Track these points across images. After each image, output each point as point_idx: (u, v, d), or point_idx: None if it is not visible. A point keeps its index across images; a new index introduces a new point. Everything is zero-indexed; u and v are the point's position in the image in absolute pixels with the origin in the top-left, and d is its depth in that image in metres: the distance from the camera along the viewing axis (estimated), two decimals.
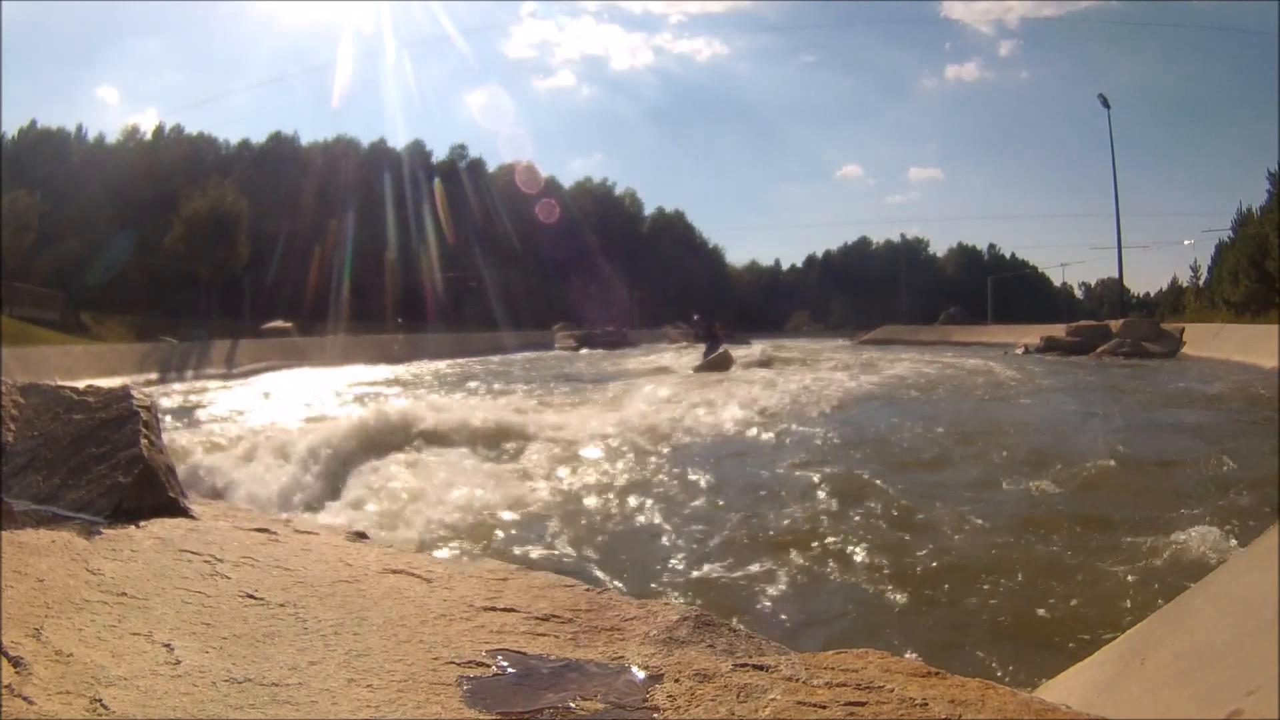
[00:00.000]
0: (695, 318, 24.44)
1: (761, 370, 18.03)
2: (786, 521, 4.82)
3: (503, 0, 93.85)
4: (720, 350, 20.03)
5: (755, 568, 4.01)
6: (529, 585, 1.35)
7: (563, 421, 8.74)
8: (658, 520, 5.02)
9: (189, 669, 0.98)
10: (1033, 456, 6.57)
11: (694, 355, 22.19)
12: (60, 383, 2.16)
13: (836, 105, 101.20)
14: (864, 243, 75.11)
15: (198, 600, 1.24)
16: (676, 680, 0.98)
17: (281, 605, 1.22)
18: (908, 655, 1.19)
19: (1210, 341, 20.29)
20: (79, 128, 42.06)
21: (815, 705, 0.91)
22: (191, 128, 46.75)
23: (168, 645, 1.05)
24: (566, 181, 63.58)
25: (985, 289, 52.40)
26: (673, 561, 4.21)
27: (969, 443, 7.37)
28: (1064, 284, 68.40)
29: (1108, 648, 2.21)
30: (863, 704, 0.91)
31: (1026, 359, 21.76)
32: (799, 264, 77.48)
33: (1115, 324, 23.20)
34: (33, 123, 40.60)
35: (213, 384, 18.02)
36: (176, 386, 17.35)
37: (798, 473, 6.21)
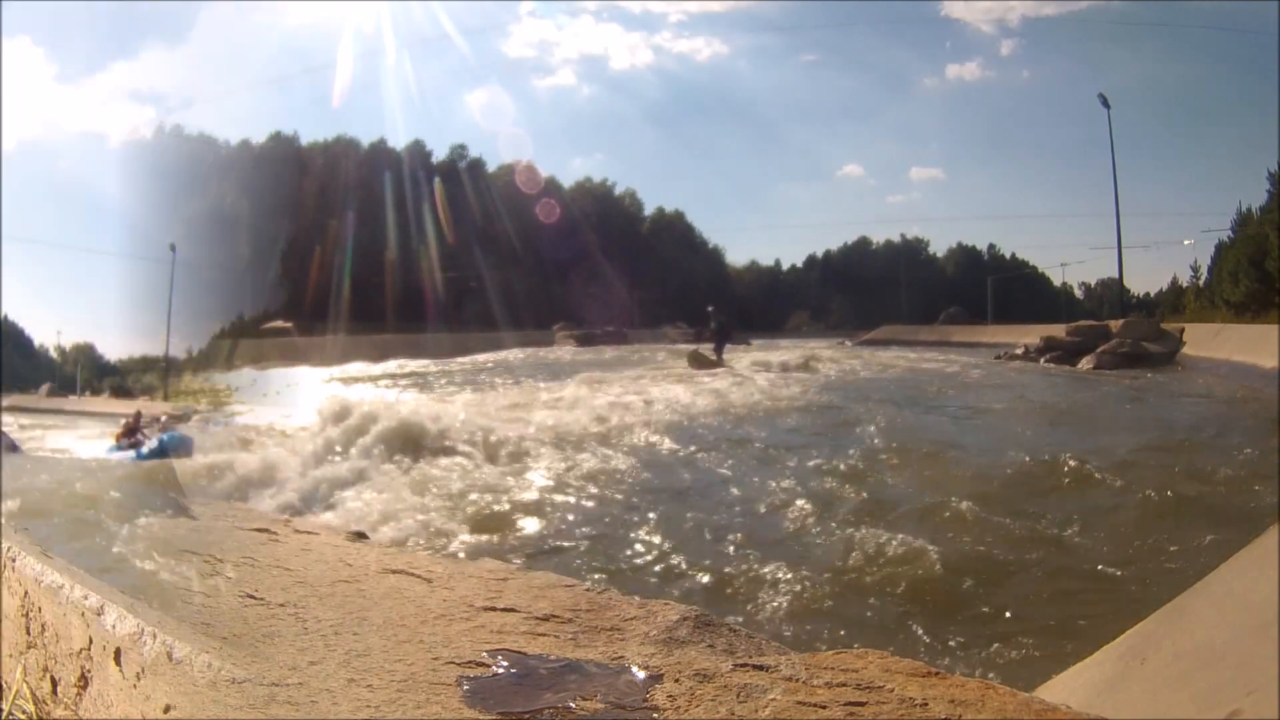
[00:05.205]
0: (710, 309, 21.78)
1: None
2: None
3: (502, 0, 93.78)
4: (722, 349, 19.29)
5: None
6: (529, 585, 1.35)
7: None
8: None
9: (189, 669, 0.98)
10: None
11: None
12: None
13: (836, 105, 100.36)
14: (864, 243, 74.59)
15: (198, 600, 1.23)
16: (676, 680, 0.98)
17: (281, 605, 1.22)
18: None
19: (1210, 342, 20.25)
20: None
21: (815, 705, 0.91)
22: (191, 128, 46.61)
23: (168, 645, 1.05)
24: (566, 181, 63.10)
25: (985, 289, 52.24)
26: None
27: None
28: (1064, 284, 68.08)
29: (1108, 648, 2.21)
30: (863, 704, 0.91)
31: (1002, 369, 20.66)
32: (799, 264, 77.38)
33: (1115, 324, 23.02)
34: None
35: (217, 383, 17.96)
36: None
37: None
